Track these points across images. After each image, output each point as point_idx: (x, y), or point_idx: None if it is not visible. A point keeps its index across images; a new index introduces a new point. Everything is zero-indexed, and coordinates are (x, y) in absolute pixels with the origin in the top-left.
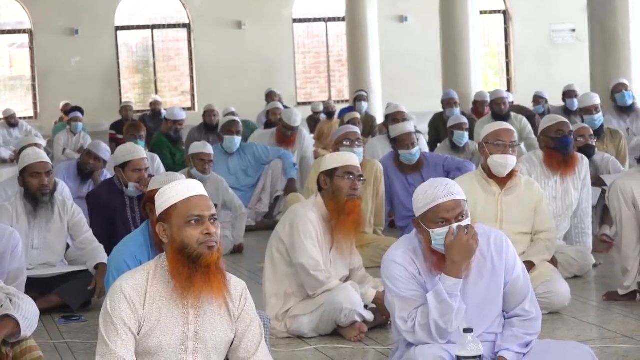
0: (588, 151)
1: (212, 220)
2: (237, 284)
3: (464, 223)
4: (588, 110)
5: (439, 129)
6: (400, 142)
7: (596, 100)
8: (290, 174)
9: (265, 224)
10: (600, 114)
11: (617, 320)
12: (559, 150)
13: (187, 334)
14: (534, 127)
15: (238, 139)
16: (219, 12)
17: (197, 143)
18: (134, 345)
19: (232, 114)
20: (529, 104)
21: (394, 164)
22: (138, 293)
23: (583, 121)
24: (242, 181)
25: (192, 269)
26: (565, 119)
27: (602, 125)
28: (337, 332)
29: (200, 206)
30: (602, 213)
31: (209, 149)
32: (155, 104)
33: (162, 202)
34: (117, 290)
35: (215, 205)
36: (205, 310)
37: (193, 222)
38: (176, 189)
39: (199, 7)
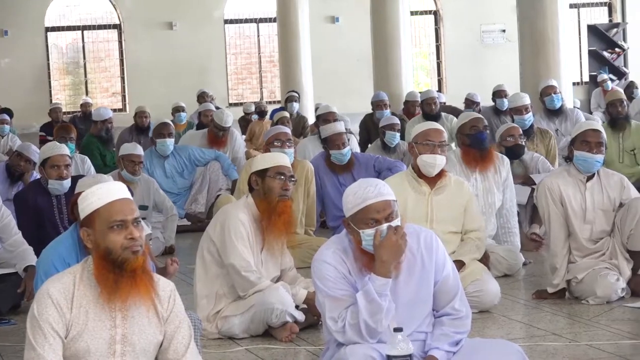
0: (517, 150)
1: (135, 224)
2: (165, 286)
3: (394, 223)
4: (518, 110)
5: (370, 129)
6: (331, 143)
7: (526, 100)
8: (232, 175)
9: (204, 225)
10: (530, 114)
11: (546, 318)
12: (474, 147)
13: (114, 337)
14: None
15: (171, 142)
16: (149, 13)
17: (127, 144)
18: (61, 349)
19: (179, 109)
20: (460, 104)
21: (325, 164)
22: (65, 297)
23: (513, 121)
24: (178, 184)
25: (118, 274)
26: (479, 115)
27: (532, 125)
28: (268, 333)
29: (122, 210)
30: (532, 212)
31: (139, 150)
32: (85, 106)
33: (84, 207)
34: (43, 294)
35: (146, 207)
36: (132, 313)
37: (116, 227)
38: (98, 194)
39: (129, 8)
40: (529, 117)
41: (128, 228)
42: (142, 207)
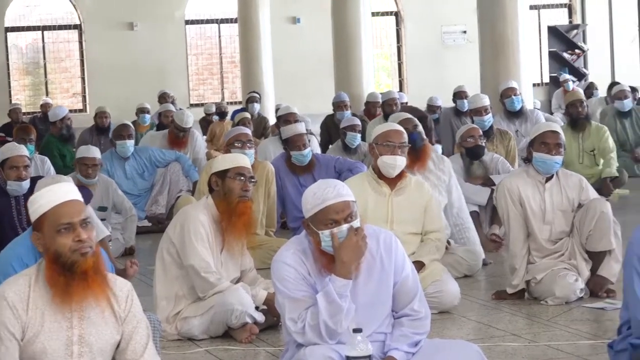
0: (477, 151)
1: (83, 225)
2: (122, 286)
3: (353, 224)
4: (478, 112)
5: (331, 130)
6: (292, 143)
7: (486, 101)
8: (193, 176)
9: (165, 226)
10: (490, 115)
11: (505, 318)
12: None
13: (71, 338)
14: (426, 128)
15: (130, 143)
16: (110, 13)
17: (81, 147)
18: (17, 352)
19: (144, 110)
20: (421, 105)
21: (285, 165)
22: (21, 299)
23: (473, 122)
24: (139, 185)
25: (69, 277)
26: (407, 116)
27: (491, 126)
28: (228, 334)
29: (69, 213)
30: (492, 213)
31: (92, 152)
32: (45, 106)
33: (33, 211)
34: None
35: (106, 208)
36: (88, 313)
37: (63, 230)
38: (46, 197)
39: (90, 8)
40: (488, 118)
41: (76, 230)
42: (101, 208)
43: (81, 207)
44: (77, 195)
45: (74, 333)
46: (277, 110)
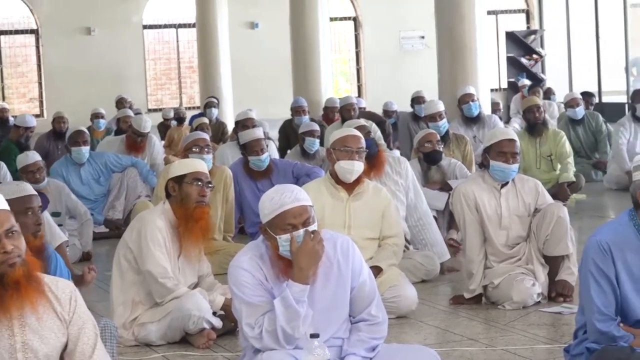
0: (435, 156)
1: (9, 235)
2: (64, 287)
3: (310, 229)
4: (432, 117)
5: (289, 135)
6: (250, 148)
7: (440, 107)
8: (152, 181)
9: (122, 232)
10: (445, 120)
11: (462, 323)
12: None
13: (14, 345)
14: (384, 133)
15: (86, 149)
16: (67, 18)
17: (20, 157)
18: None
19: (99, 115)
20: (380, 110)
21: (243, 170)
22: None
23: (428, 128)
24: (95, 191)
25: (1, 289)
26: (363, 122)
27: (447, 131)
28: (185, 340)
29: None
30: (450, 218)
31: (31, 157)
32: (2, 111)
33: None
34: None
35: (59, 213)
36: (30, 320)
37: None
38: None
39: (47, 12)
40: (443, 124)
41: (1, 241)
42: (55, 214)
43: (4, 217)
44: (4, 205)
45: (16, 341)
46: (236, 115)
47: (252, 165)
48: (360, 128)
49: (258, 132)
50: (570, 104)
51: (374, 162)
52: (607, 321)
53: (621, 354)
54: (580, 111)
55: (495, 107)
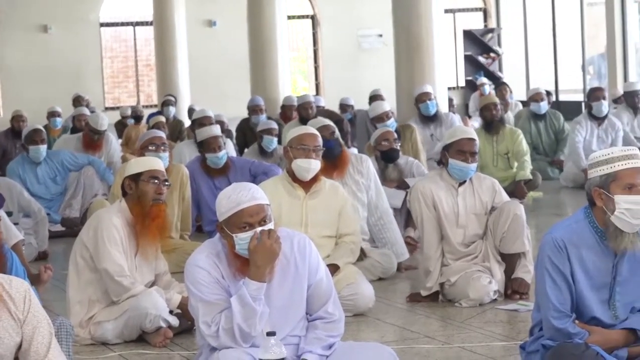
0: (392, 154)
1: None
2: (18, 287)
3: (267, 227)
4: (380, 119)
5: (247, 133)
6: (207, 146)
7: (385, 106)
8: (109, 179)
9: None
10: (392, 119)
11: (419, 321)
12: (325, 156)
13: None
14: (342, 131)
15: (43, 148)
16: (24, 16)
17: None
18: None
19: (55, 114)
20: (337, 109)
21: (200, 167)
22: None
23: (376, 128)
24: (52, 190)
25: None
26: (327, 122)
27: (396, 130)
28: (142, 338)
29: None
30: (407, 216)
31: None
32: None
33: None
34: None
35: (12, 213)
36: None
37: None
38: None
39: (3, 10)
40: (391, 123)
41: None
42: (7, 214)
43: None
44: None
45: None
46: (193, 113)
47: (210, 163)
48: (324, 128)
49: (215, 130)
50: (534, 98)
51: (337, 162)
52: (563, 318)
53: (576, 351)
54: (544, 106)
55: (449, 104)
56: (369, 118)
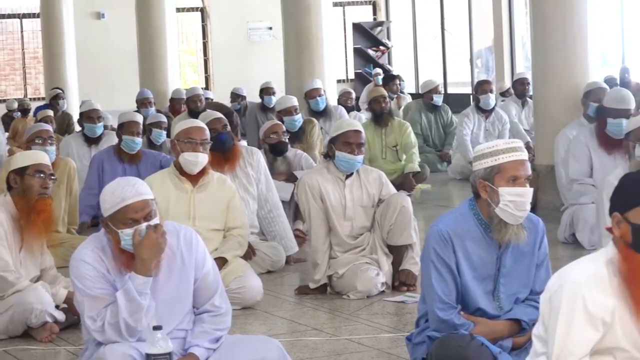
0: (281, 147)
1: None
2: None
3: (152, 222)
4: (288, 112)
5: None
6: (126, 128)
7: (294, 101)
8: None
9: None
10: (300, 115)
11: (308, 313)
12: (216, 149)
13: None
14: (232, 124)
15: None
16: None
17: None
18: None
19: None
20: (227, 101)
21: (113, 153)
22: None
23: (283, 122)
24: None
25: None
26: (219, 115)
27: (301, 126)
28: (27, 333)
29: None
30: (295, 208)
31: None
32: None
33: None
34: None
35: None
36: None
37: None
38: None
39: None
40: (298, 118)
41: None
42: None
43: None
44: None
45: None
46: (80, 106)
47: (124, 146)
48: (216, 121)
49: (138, 116)
50: (434, 91)
51: (228, 155)
52: (448, 309)
53: (462, 342)
54: (438, 99)
55: (347, 96)
56: (276, 111)
